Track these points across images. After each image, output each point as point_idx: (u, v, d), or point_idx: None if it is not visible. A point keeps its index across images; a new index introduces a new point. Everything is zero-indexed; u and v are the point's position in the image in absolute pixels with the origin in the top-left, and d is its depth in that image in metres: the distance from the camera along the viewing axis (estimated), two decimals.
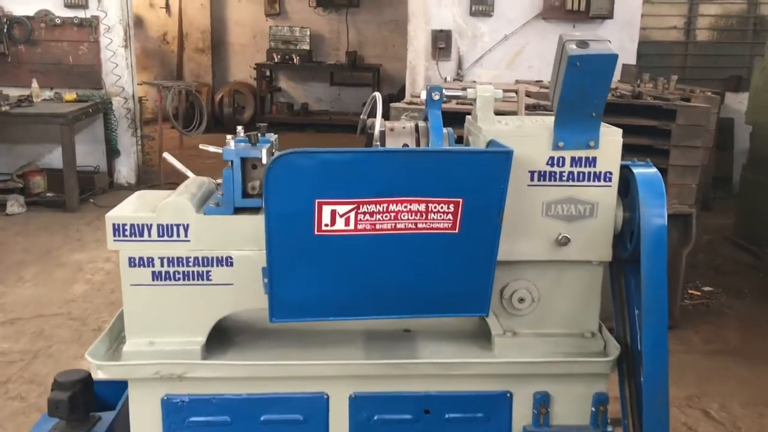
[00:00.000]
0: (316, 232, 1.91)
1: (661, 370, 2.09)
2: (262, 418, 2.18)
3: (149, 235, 2.17)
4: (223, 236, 2.18)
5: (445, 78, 6.90)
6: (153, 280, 2.18)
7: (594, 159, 2.17)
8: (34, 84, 6.77)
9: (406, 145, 2.24)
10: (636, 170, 2.20)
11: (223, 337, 2.35)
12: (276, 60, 11.88)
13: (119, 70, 7.19)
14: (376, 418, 2.19)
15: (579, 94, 2.08)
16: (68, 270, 4.84)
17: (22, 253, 5.21)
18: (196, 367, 2.16)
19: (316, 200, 1.88)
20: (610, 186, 2.19)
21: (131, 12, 7.43)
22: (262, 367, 2.19)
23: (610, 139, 2.17)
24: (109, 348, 2.28)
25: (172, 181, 7.27)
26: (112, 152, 7.26)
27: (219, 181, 2.31)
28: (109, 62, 7.14)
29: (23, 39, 7.02)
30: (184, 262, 2.18)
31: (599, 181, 2.19)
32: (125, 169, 7.41)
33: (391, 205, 1.91)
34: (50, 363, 3.53)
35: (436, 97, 2.28)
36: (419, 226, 1.94)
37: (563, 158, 2.16)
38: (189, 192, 2.29)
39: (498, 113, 2.28)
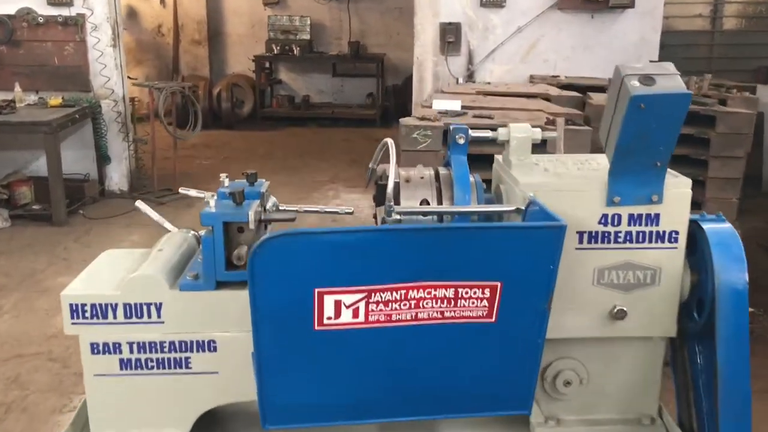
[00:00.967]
0: (316, 327, 1.53)
1: None
2: None
3: (114, 317, 1.80)
4: (203, 316, 1.81)
5: (457, 79, 6.45)
6: (121, 369, 1.83)
7: (657, 216, 1.79)
8: (17, 88, 6.34)
9: (425, 200, 1.84)
10: (706, 226, 1.81)
11: (211, 424, 1.98)
12: (275, 51, 11.39)
13: (108, 71, 6.75)
14: None
15: (641, 140, 1.68)
16: (52, 297, 4.47)
17: (3, 277, 4.83)
18: None
19: (316, 290, 1.49)
20: (676, 248, 1.80)
21: (119, 9, 6.98)
22: None
23: (677, 192, 1.78)
24: None
25: (167, 187, 6.88)
26: (103, 159, 6.84)
27: (203, 232, 1.91)
28: (97, 63, 6.70)
29: (4, 39, 6.59)
30: (158, 347, 1.82)
31: (663, 242, 1.80)
32: (117, 176, 7.00)
33: (410, 291, 1.52)
34: (24, 419, 3.16)
35: (461, 141, 1.88)
36: (446, 315, 1.55)
37: (619, 216, 1.78)
38: (163, 258, 1.90)
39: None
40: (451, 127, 1.89)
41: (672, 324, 1.85)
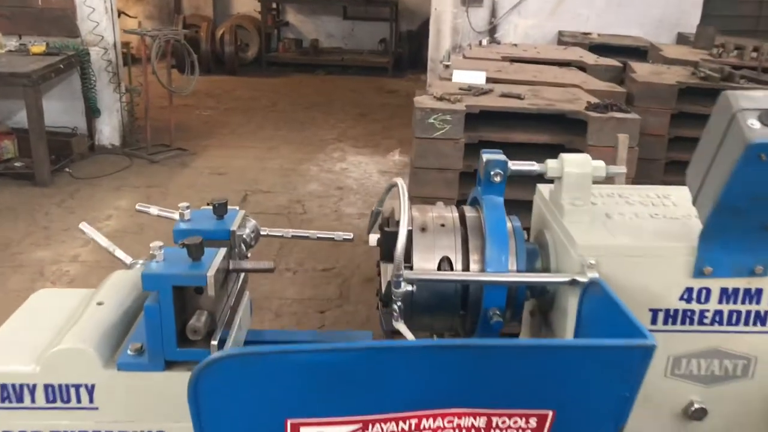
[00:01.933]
0: None
1: None
2: None
3: (32, 401, 1.38)
4: (148, 403, 1.38)
5: (480, 41, 5.84)
6: None
7: (758, 292, 1.33)
8: None
9: (446, 258, 1.37)
10: None
11: None
12: None
13: (97, 15, 6.17)
14: None
15: (755, 201, 1.19)
16: (26, 274, 4.07)
17: None
18: None
19: (289, 421, 1.04)
20: None
21: None
22: None
23: None
24: None
25: (162, 142, 6.39)
26: (92, 111, 6.34)
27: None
28: (84, 6, 6.13)
29: None
30: None
31: (764, 325, 1.34)
32: (108, 130, 6.50)
33: (424, 420, 1.07)
34: None
35: (497, 179, 1.39)
36: None
37: (708, 290, 1.33)
38: (99, 318, 1.45)
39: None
40: (485, 158, 1.41)
41: (766, 428, 1.41)
